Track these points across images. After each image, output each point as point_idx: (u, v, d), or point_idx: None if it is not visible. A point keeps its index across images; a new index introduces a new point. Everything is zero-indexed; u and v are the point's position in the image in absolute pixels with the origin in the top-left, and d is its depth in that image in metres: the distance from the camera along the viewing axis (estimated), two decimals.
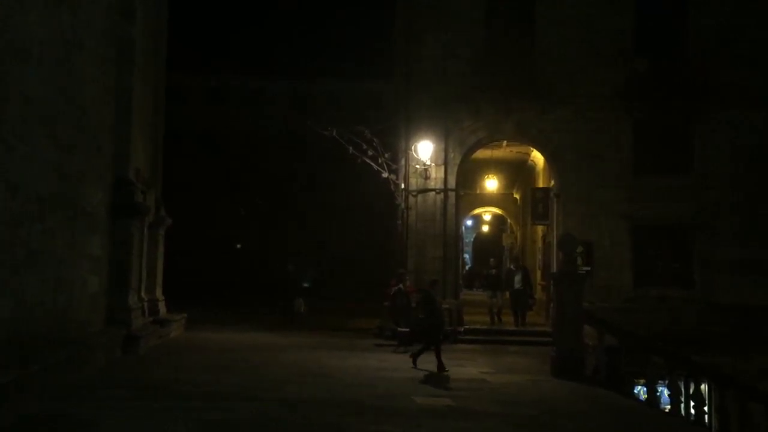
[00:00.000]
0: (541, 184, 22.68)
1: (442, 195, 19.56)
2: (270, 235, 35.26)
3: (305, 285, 27.64)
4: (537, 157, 22.42)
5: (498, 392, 11.38)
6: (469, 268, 41.97)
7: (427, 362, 13.41)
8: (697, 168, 19.10)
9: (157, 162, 17.81)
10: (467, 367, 13.95)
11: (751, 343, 16.40)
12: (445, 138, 19.55)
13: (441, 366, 12.97)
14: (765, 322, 16.93)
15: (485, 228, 41.07)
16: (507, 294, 19.95)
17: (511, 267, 21.00)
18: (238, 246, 35.73)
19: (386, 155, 19.37)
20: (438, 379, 12.45)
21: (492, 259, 22.48)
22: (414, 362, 13.36)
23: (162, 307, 17.60)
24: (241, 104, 36.58)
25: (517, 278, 19.37)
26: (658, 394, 12.04)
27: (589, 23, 19.28)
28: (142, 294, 15.57)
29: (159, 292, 17.70)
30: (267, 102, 36.72)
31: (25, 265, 9.66)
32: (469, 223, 40.48)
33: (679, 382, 11.55)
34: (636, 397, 12.76)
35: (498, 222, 37.27)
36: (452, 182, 19.69)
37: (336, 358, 14.31)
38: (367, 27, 33.37)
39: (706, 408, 11.64)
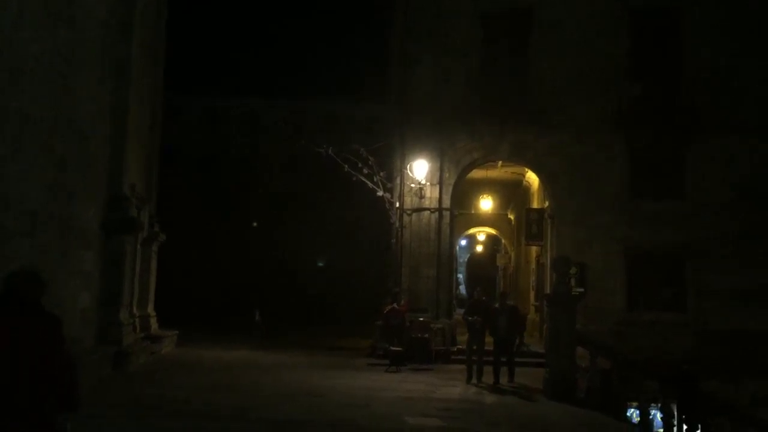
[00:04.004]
0: (535, 204, 22.72)
1: (436, 214, 19.58)
2: (265, 252, 35.15)
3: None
4: (532, 178, 22.47)
5: (490, 413, 11.32)
6: (461, 288, 41.81)
7: (415, 382, 13.31)
8: (690, 194, 19.15)
9: (152, 178, 17.81)
10: (459, 387, 13.88)
11: (743, 369, 16.37)
12: (441, 158, 19.60)
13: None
14: (757, 349, 16.91)
15: (479, 248, 41.03)
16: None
17: (496, 306, 15.03)
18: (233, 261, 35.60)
19: (381, 174, 19.42)
20: None
21: (477, 289, 16.29)
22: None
23: (153, 323, 17.52)
24: (238, 124, 36.70)
25: (503, 321, 14.32)
26: (651, 417, 11.98)
27: (584, 48, 19.41)
28: (134, 310, 15.50)
29: (151, 308, 17.63)
30: (264, 122, 36.84)
31: None
32: (464, 242, 40.46)
33: (671, 406, 11.50)
34: (629, 420, 12.69)
35: (492, 242, 37.23)
36: (447, 202, 19.72)
37: (328, 378, 14.24)
38: (363, 48, 33.49)
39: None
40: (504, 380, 14.08)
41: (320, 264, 35.16)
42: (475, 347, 14.39)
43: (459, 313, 26.00)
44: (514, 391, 13.59)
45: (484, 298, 15.47)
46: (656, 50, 19.67)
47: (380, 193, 19.46)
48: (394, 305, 17.35)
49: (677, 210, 19.04)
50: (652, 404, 12.11)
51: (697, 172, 19.13)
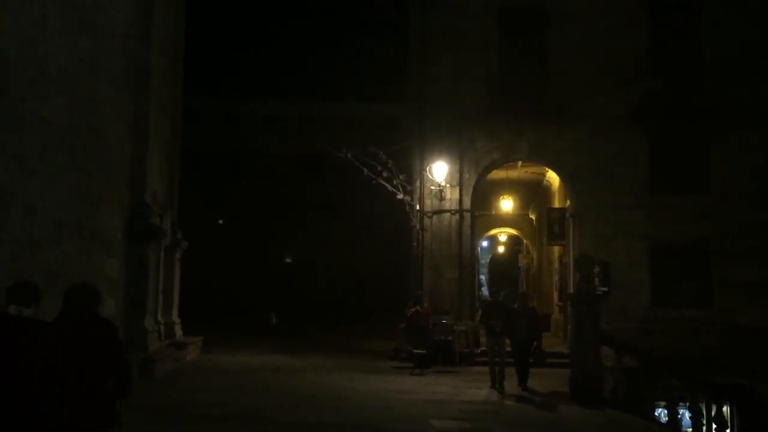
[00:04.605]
0: (556, 204, 22.59)
1: (457, 216, 19.53)
2: (275, 254, 35.24)
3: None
4: (552, 177, 22.36)
5: (515, 415, 11.27)
6: (483, 289, 41.62)
7: (439, 384, 13.26)
8: (714, 187, 18.94)
9: (174, 185, 17.91)
10: (484, 389, 13.81)
11: None
12: (460, 159, 19.56)
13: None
14: None
15: (501, 249, 40.84)
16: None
17: (515, 307, 14.33)
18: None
19: (401, 176, 19.38)
20: None
21: (501, 292, 15.65)
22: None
23: (178, 330, 17.60)
24: (256, 126, 36.66)
25: (522, 324, 13.79)
26: (679, 416, 11.84)
27: (603, 43, 19.29)
28: (159, 317, 15.58)
29: (175, 315, 17.71)
30: (282, 124, 36.80)
31: (43, 288, 9.70)
32: (485, 244, 40.30)
33: (700, 405, 11.36)
34: (656, 420, 12.56)
35: (514, 243, 37.07)
36: (467, 203, 19.67)
37: (351, 380, 14.23)
38: (381, 49, 33.36)
39: (728, 431, 11.43)
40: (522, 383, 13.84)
41: (336, 266, 35.08)
42: (496, 348, 14.03)
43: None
44: (539, 393, 13.47)
45: (500, 299, 14.96)
46: (676, 43, 19.48)
47: (400, 196, 19.42)
48: (417, 308, 17.32)
49: (700, 204, 18.85)
50: (680, 403, 11.98)
51: (719, 164, 18.92)
